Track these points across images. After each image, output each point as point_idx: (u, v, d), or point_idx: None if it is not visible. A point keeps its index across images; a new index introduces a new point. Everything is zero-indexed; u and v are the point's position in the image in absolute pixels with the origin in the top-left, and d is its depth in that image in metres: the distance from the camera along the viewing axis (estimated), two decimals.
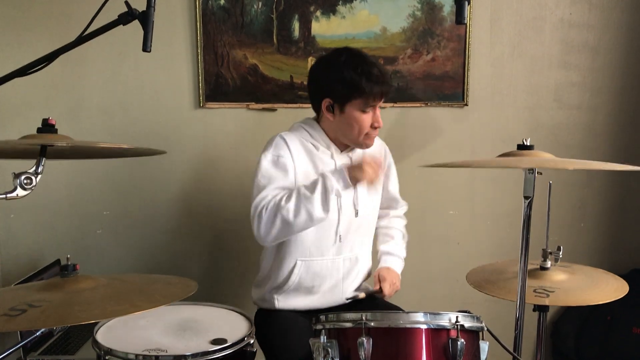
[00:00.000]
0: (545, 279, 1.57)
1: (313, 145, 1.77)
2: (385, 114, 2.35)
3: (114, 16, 1.21)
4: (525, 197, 1.43)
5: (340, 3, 2.28)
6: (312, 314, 1.41)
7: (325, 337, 1.29)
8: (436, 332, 1.26)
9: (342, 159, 1.80)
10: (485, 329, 1.33)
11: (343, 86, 1.67)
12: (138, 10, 1.22)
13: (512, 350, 1.49)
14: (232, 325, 1.55)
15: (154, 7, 1.23)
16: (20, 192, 1.10)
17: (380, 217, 1.98)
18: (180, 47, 2.25)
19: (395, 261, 1.93)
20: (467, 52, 2.38)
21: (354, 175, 1.60)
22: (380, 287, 1.81)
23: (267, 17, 2.26)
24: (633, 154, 2.55)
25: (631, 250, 2.62)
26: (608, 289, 1.52)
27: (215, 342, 1.42)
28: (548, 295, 1.48)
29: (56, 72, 2.16)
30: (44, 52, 1.22)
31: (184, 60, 2.25)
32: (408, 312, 1.28)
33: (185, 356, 1.35)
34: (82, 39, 1.22)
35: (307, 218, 1.59)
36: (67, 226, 2.29)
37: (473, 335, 1.31)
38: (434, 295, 2.52)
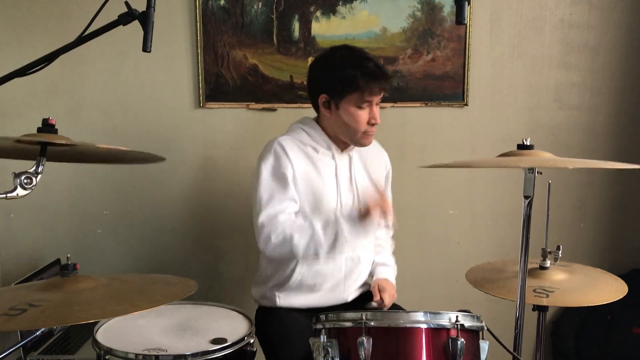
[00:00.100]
0: (545, 279, 1.57)
1: (312, 147, 1.77)
2: (385, 114, 2.35)
3: (114, 16, 1.21)
4: (525, 197, 1.43)
5: (340, 3, 2.29)
6: (313, 313, 1.41)
7: (325, 336, 1.29)
8: (436, 332, 1.26)
9: (342, 159, 1.80)
10: (485, 328, 1.33)
11: (338, 81, 1.67)
12: (138, 10, 1.22)
13: (512, 350, 1.49)
14: (232, 325, 1.55)
15: (154, 7, 1.23)
16: (20, 192, 1.10)
17: None
18: (180, 47, 2.25)
19: (390, 272, 1.94)
20: (467, 52, 2.38)
21: (364, 219, 1.63)
22: (381, 298, 1.80)
23: (267, 18, 2.26)
24: (633, 154, 2.55)
25: (631, 250, 2.62)
26: (607, 289, 1.53)
27: (215, 341, 1.42)
28: (547, 296, 1.48)
29: (56, 72, 2.16)
30: (44, 52, 1.22)
31: (184, 60, 2.25)
32: (408, 312, 1.28)
33: (185, 356, 1.35)
34: (82, 39, 1.22)
35: (314, 256, 1.68)
36: (67, 226, 2.29)
37: (473, 335, 1.31)
38: (434, 295, 2.52)
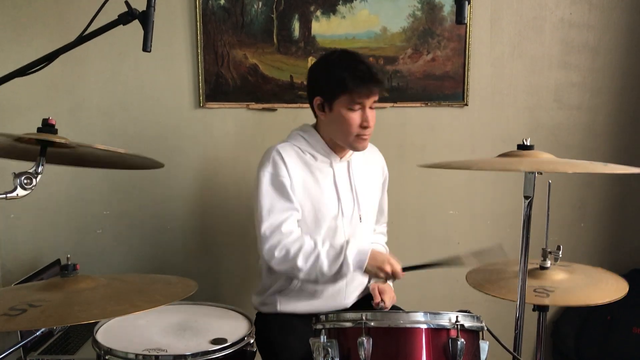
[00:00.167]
0: (545, 279, 1.57)
1: (311, 154, 1.77)
2: (385, 114, 2.36)
3: (114, 16, 1.21)
4: (525, 197, 1.43)
5: (340, 3, 2.28)
6: (313, 318, 1.41)
7: (325, 336, 1.29)
8: (436, 332, 1.27)
9: (341, 166, 1.79)
10: (485, 328, 1.34)
11: (330, 83, 1.69)
12: (138, 10, 1.22)
13: (512, 350, 1.49)
14: (232, 325, 1.55)
15: (154, 7, 1.23)
16: (20, 192, 1.10)
17: None
18: (180, 47, 2.25)
19: None
20: (467, 52, 2.38)
21: (371, 268, 1.67)
22: (382, 300, 1.80)
23: (267, 17, 2.26)
24: (633, 155, 2.55)
25: (631, 250, 2.62)
26: (608, 288, 1.53)
27: (215, 341, 1.42)
28: (548, 295, 1.48)
29: (56, 72, 2.16)
30: (44, 51, 1.22)
31: (184, 60, 2.25)
32: (408, 312, 1.29)
33: (185, 356, 1.35)
34: (82, 39, 1.22)
35: (314, 282, 1.73)
36: (67, 226, 2.29)
37: (473, 335, 1.31)
38: (434, 295, 2.52)
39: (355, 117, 1.68)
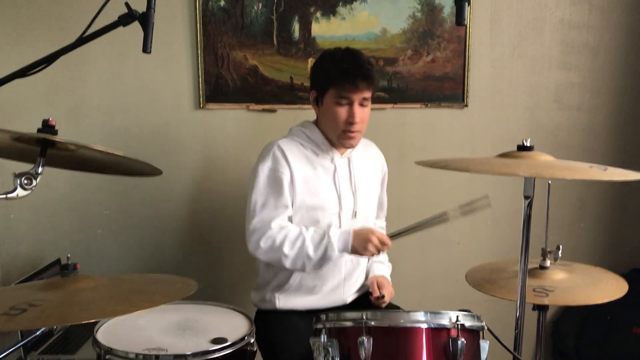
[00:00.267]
0: (545, 278, 1.57)
1: (312, 150, 1.78)
2: (385, 114, 2.36)
3: (114, 17, 1.21)
4: (526, 197, 1.43)
5: (340, 4, 2.29)
6: (312, 315, 1.41)
7: (325, 336, 1.29)
8: (436, 332, 1.27)
9: (342, 162, 1.80)
10: (486, 328, 1.34)
11: (320, 76, 1.73)
12: (138, 11, 1.22)
13: (512, 350, 1.49)
14: (232, 325, 1.55)
15: (154, 8, 1.23)
16: (20, 192, 1.10)
17: None
18: (181, 48, 2.25)
19: (387, 270, 1.96)
20: (467, 53, 2.38)
21: (357, 245, 1.65)
22: (382, 294, 1.80)
23: (267, 19, 2.26)
24: (633, 155, 2.55)
25: (631, 250, 2.62)
26: (608, 288, 1.53)
27: (216, 341, 1.42)
28: (547, 295, 1.48)
29: (56, 73, 2.16)
30: (44, 52, 1.22)
31: (184, 61, 2.26)
32: (408, 312, 1.29)
33: (185, 355, 1.35)
34: (82, 40, 1.22)
35: (301, 269, 1.72)
36: (67, 226, 2.29)
37: (473, 335, 1.31)
38: (434, 295, 2.52)
39: (342, 112, 1.69)
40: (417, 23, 2.33)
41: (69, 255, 1.27)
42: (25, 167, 1.13)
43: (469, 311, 1.31)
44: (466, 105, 2.42)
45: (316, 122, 1.82)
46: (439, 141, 2.44)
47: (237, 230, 2.35)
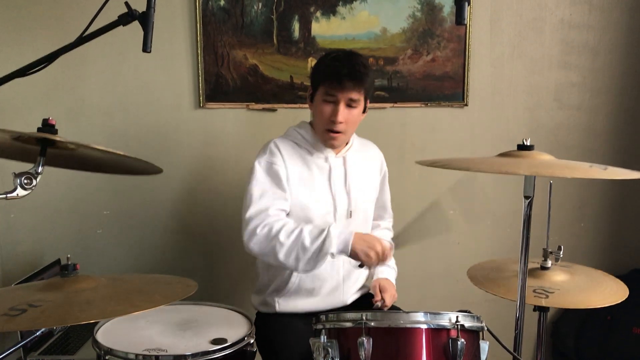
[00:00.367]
0: (545, 279, 1.57)
1: (307, 149, 1.78)
2: (385, 114, 2.36)
3: (114, 17, 1.21)
4: (526, 197, 1.43)
5: (340, 4, 2.29)
6: (313, 316, 1.41)
7: (325, 336, 1.29)
8: (436, 332, 1.26)
9: (337, 162, 1.80)
10: (486, 328, 1.33)
11: (315, 73, 1.76)
12: (138, 11, 1.22)
13: (512, 350, 1.49)
14: (232, 325, 1.55)
15: (154, 8, 1.23)
16: (20, 192, 1.09)
17: (372, 228, 1.97)
18: (181, 47, 2.25)
19: (391, 272, 1.94)
20: (467, 53, 2.38)
21: (359, 248, 1.58)
22: (382, 298, 1.79)
23: (267, 18, 2.26)
24: (633, 155, 2.55)
25: (631, 250, 2.63)
26: (608, 291, 1.52)
27: (216, 342, 1.42)
28: (547, 296, 1.48)
29: (56, 73, 2.16)
30: (44, 52, 1.22)
31: (184, 60, 2.25)
32: (408, 312, 1.28)
33: (185, 356, 1.35)
34: (82, 40, 1.22)
35: (294, 263, 1.61)
36: (67, 226, 2.29)
37: (473, 335, 1.31)
38: (434, 295, 2.52)
39: (327, 109, 1.70)
40: (417, 22, 2.33)
41: (69, 255, 1.27)
42: (25, 167, 1.13)
43: (469, 312, 1.31)
44: (466, 105, 2.42)
45: (311, 123, 1.83)
46: (439, 141, 2.44)
47: (237, 230, 2.34)
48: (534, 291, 1.50)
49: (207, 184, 2.35)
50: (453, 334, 1.26)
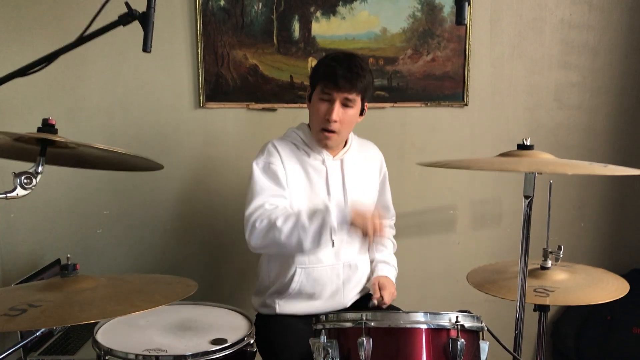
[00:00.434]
0: (546, 279, 1.57)
1: (305, 151, 1.79)
2: (385, 114, 2.36)
3: (114, 17, 1.21)
4: (526, 197, 1.43)
5: (340, 4, 2.29)
6: (312, 318, 1.41)
7: (325, 337, 1.29)
8: (436, 332, 1.27)
9: (334, 164, 1.80)
10: (486, 328, 1.34)
11: (313, 73, 1.79)
12: (138, 11, 1.22)
13: (512, 350, 1.49)
14: (232, 325, 1.55)
15: (154, 7, 1.23)
16: (20, 191, 1.10)
17: None
18: (181, 47, 2.25)
19: (391, 270, 1.94)
20: (467, 53, 2.38)
21: (355, 222, 1.59)
22: (381, 295, 1.79)
23: (267, 18, 2.26)
24: (633, 155, 2.55)
25: (631, 250, 2.63)
26: (608, 288, 1.53)
27: (215, 342, 1.42)
28: (548, 295, 1.48)
29: (56, 73, 2.16)
30: (44, 52, 1.22)
31: (184, 60, 2.25)
32: (408, 312, 1.28)
33: (185, 356, 1.35)
34: (82, 40, 1.22)
35: (298, 246, 1.62)
36: (67, 226, 2.29)
37: (473, 335, 1.31)
38: (434, 295, 2.52)
39: (322, 107, 1.71)
40: (417, 22, 2.33)
41: (69, 255, 1.27)
42: (25, 166, 1.12)
43: (469, 312, 1.31)
44: (466, 105, 2.42)
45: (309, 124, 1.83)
46: (439, 141, 2.44)
47: (237, 230, 2.34)
48: (535, 290, 1.50)
49: (207, 184, 2.35)
50: (453, 334, 1.26)
